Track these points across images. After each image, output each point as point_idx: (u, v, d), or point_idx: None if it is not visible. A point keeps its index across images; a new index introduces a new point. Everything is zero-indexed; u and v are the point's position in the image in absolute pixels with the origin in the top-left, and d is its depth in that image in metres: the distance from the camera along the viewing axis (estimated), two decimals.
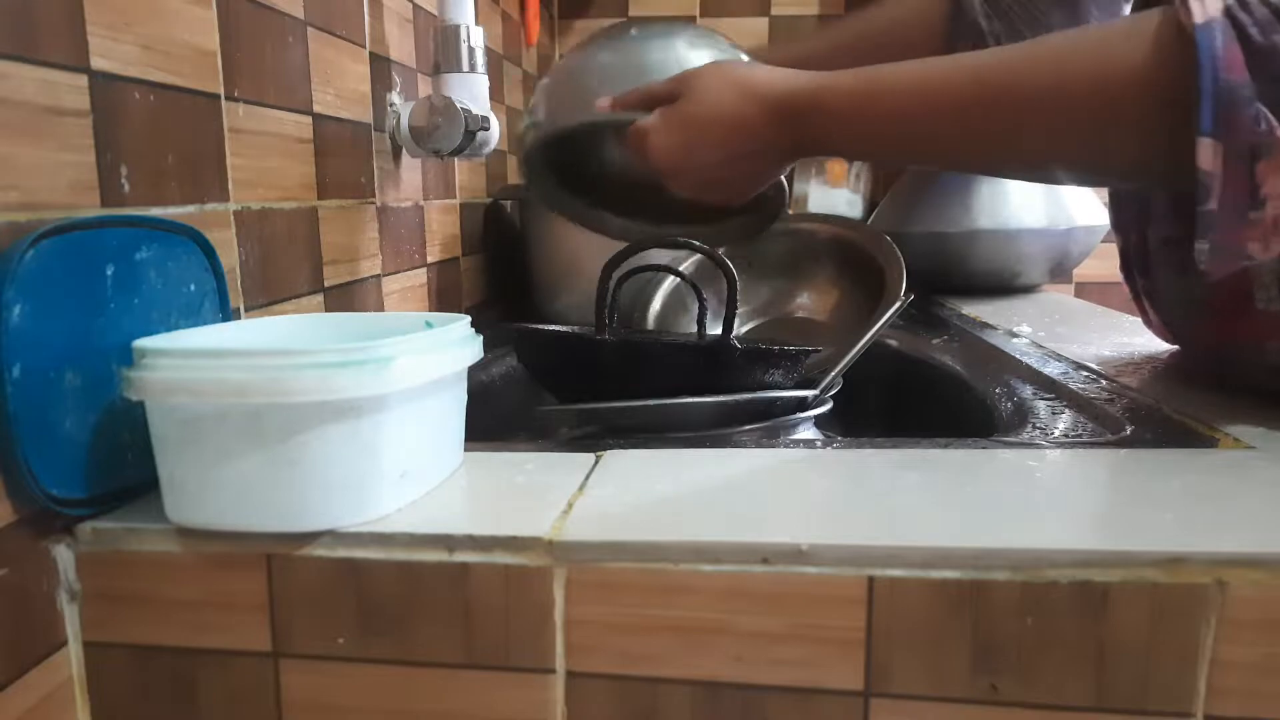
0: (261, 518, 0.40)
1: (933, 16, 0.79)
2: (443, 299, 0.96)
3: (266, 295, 0.59)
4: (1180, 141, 0.44)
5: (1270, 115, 0.42)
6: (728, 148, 0.58)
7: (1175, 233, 0.58)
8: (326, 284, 0.68)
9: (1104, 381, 0.66)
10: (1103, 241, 1.14)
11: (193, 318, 0.47)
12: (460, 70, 0.82)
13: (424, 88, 0.90)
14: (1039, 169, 0.55)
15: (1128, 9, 0.73)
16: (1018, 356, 0.77)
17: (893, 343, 0.92)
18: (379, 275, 0.78)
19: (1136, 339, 0.82)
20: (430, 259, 0.93)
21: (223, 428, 0.39)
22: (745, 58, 0.71)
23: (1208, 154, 0.43)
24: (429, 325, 0.47)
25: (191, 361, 0.38)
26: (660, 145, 0.59)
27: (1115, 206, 0.67)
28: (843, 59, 0.66)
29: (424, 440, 0.44)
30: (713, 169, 0.59)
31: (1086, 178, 0.58)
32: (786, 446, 0.52)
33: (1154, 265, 0.61)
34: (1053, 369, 0.71)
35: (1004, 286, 1.17)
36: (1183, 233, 0.56)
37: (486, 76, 0.85)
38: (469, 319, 0.48)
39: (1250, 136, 0.42)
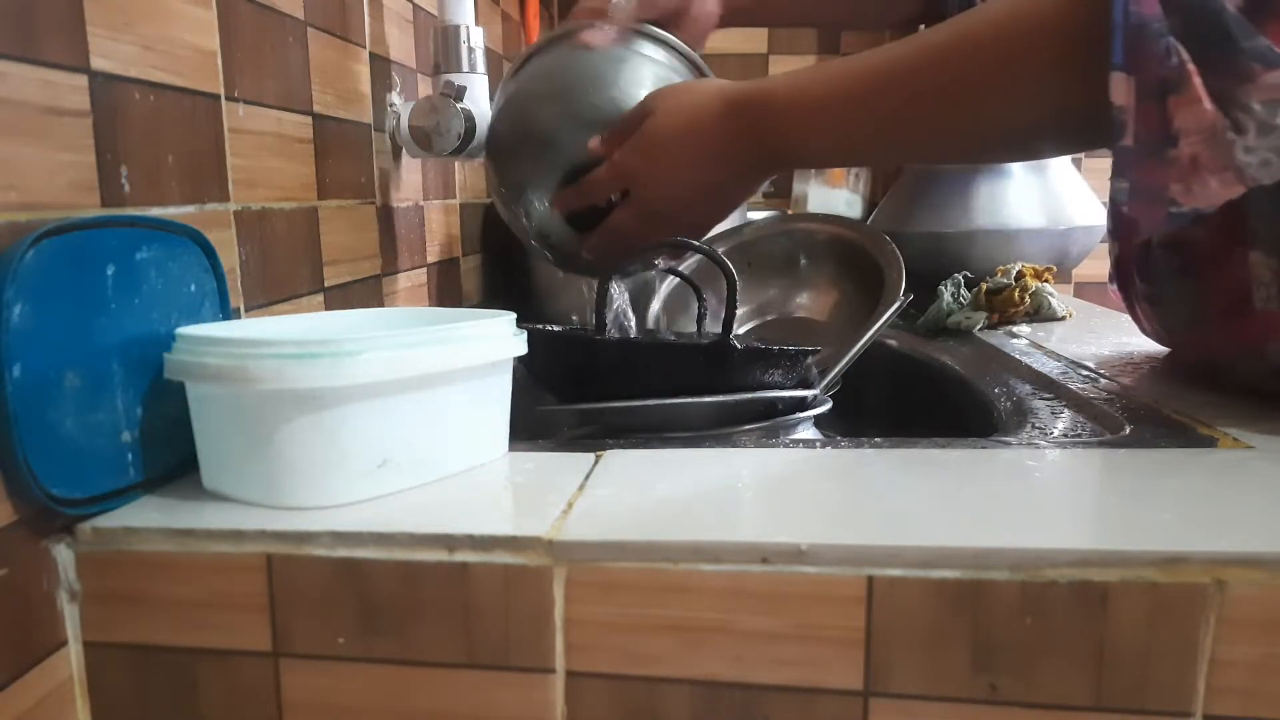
0: (247, 492, 0.43)
1: None
2: (443, 299, 0.96)
3: (267, 295, 0.59)
4: (1096, 80, 0.43)
5: (1181, 48, 0.41)
6: (695, 163, 0.59)
7: (1179, 235, 0.58)
8: (327, 284, 0.68)
9: (1103, 381, 0.66)
10: (1103, 241, 1.15)
11: (193, 318, 0.47)
12: (460, 70, 0.82)
13: (424, 88, 0.90)
14: (978, 139, 0.55)
15: None
16: (1017, 356, 0.77)
17: (892, 343, 0.92)
18: (379, 275, 0.78)
19: (1136, 339, 0.82)
20: (430, 259, 0.93)
21: (216, 407, 0.43)
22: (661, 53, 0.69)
23: (1121, 88, 0.42)
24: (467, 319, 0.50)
25: (197, 348, 0.42)
26: (631, 169, 0.59)
27: (1114, 209, 0.67)
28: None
29: (417, 432, 0.44)
30: (685, 187, 0.60)
31: (1024, 142, 0.57)
32: (786, 446, 0.52)
33: (1155, 268, 0.61)
34: (1052, 369, 0.71)
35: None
36: (1189, 233, 0.56)
37: (487, 77, 0.85)
38: (512, 316, 0.49)
39: (1161, 70, 0.42)
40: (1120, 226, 0.66)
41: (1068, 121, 0.50)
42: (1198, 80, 0.41)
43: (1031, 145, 0.60)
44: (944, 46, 0.51)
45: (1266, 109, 0.41)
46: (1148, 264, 0.62)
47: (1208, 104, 0.41)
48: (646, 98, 0.61)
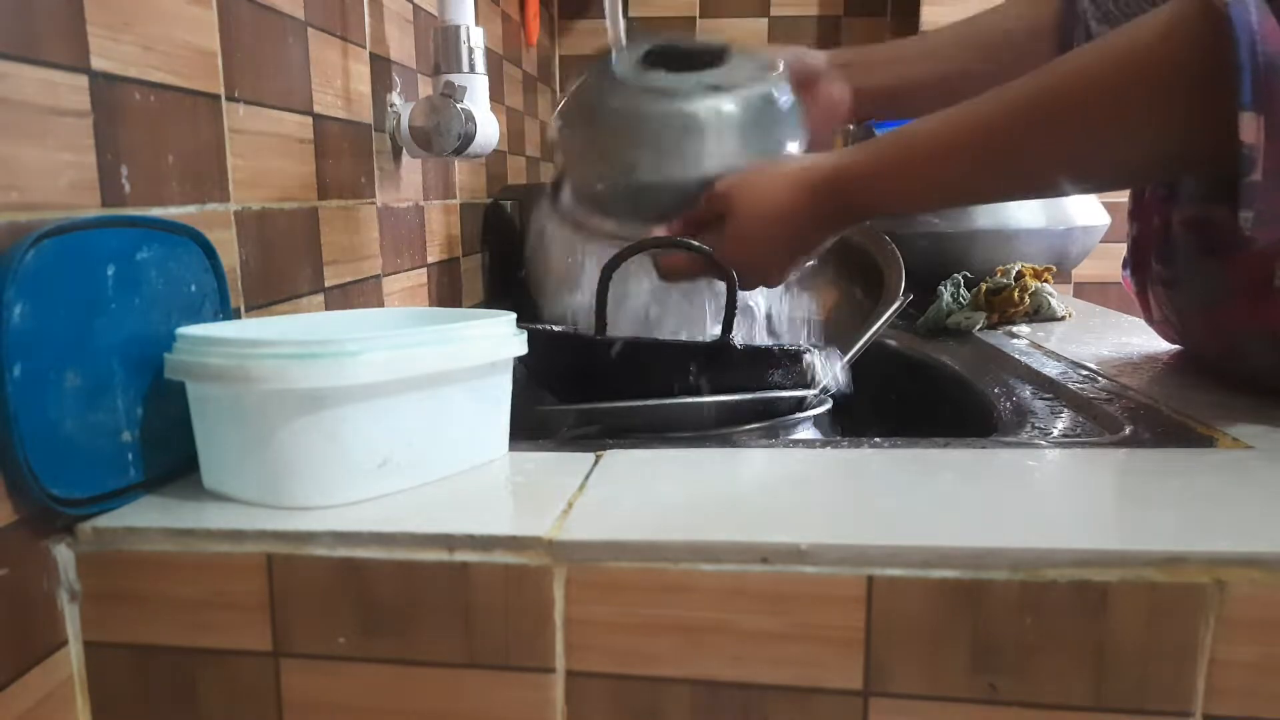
0: (248, 492, 0.43)
1: (1043, 23, 0.74)
2: (443, 299, 0.96)
3: (267, 295, 0.59)
4: (1218, 119, 0.44)
5: None
6: (787, 243, 0.61)
7: (1202, 213, 0.58)
8: (327, 284, 0.68)
9: (1103, 381, 0.66)
10: (1102, 241, 1.15)
11: (193, 318, 0.47)
12: (460, 70, 0.82)
13: (424, 88, 0.90)
14: (1086, 177, 0.54)
15: None
16: (1017, 356, 0.77)
17: (892, 343, 0.92)
18: (379, 275, 0.78)
19: (1135, 339, 0.82)
20: (430, 259, 0.93)
21: (217, 407, 0.43)
22: (781, 65, 0.68)
23: (1250, 127, 0.43)
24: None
25: (198, 348, 0.42)
26: (727, 261, 0.60)
27: (1136, 191, 0.67)
28: (938, 64, 0.66)
29: (417, 432, 0.44)
30: (779, 262, 0.62)
31: (1132, 175, 0.58)
32: (786, 446, 0.52)
33: (1175, 250, 0.61)
34: (1052, 369, 0.71)
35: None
36: (1211, 212, 0.57)
37: (486, 77, 0.85)
38: (512, 316, 0.49)
39: None
40: (1140, 207, 0.67)
41: (1184, 158, 0.51)
42: None
43: (1139, 180, 0.61)
44: (1057, 84, 0.50)
45: None
46: (1167, 245, 0.62)
47: None
48: (721, 188, 0.61)
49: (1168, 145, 0.49)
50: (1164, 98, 0.47)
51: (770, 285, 0.64)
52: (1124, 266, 0.70)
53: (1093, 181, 0.58)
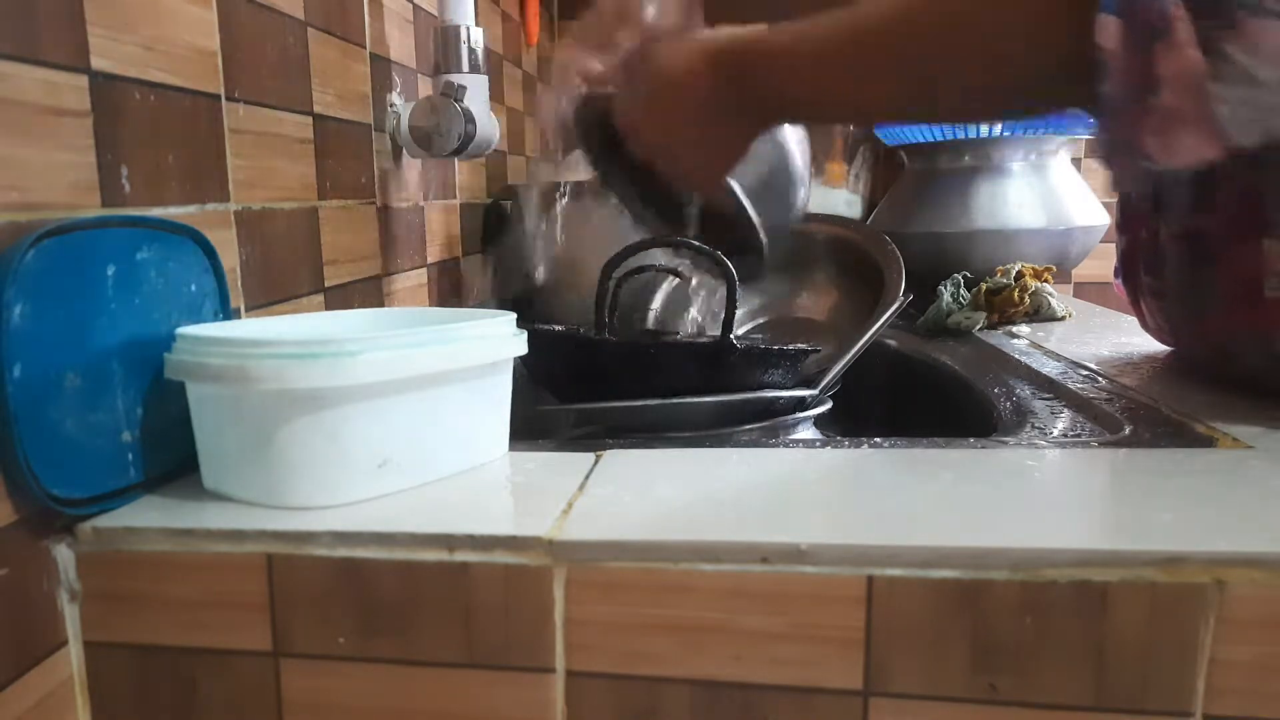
0: (248, 492, 0.43)
1: None
2: (443, 299, 0.96)
3: (267, 295, 0.59)
4: (1086, 22, 0.43)
5: None
6: (688, 116, 0.57)
7: (1190, 227, 0.58)
8: (327, 284, 0.68)
9: (1103, 381, 0.66)
10: (1102, 241, 1.15)
11: (193, 318, 0.47)
12: (460, 70, 0.82)
13: (424, 88, 0.90)
14: (977, 82, 0.52)
15: None
16: (1017, 356, 0.77)
17: (892, 343, 0.92)
18: (379, 275, 0.78)
19: (1135, 339, 0.82)
20: (430, 259, 0.93)
21: (217, 407, 0.43)
22: None
23: (1109, 31, 0.42)
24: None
25: (198, 348, 0.42)
26: (623, 110, 0.58)
27: (1124, 204, 0.67)
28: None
29: (417, 432, 0.44)
30: (682, 140, 0.58)
31: (1015, 87, 0.54)
32: (786, 446, 0.52)
33: (1164, 261, 0.61)
34: (1051, 369, 0.71)
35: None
36: (1198, 225, 0.56)
37: (486, 77, 0.85)
38: (512, 316, 0.49)
39: (1149, 14, 0.41)
40: (1127, 219, 0.66)
41: (1046, 68, 0.49)
42: (1186, 26, 0.41)
43: (1027, 94, 0.56)
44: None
45: (1246, 57, 0.40)
46: (1156, 256, 0.62)
47: (1192, 50, 0.41)
48: (641, 48, 0.59)
49: (1041, 52, 0.47)
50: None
51: (680, 173, 0.60)
52: (1116, 275, 0.70)
53: (978, 93, 0.55)
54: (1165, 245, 0.60)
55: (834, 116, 0.63)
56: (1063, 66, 0.48)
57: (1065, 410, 0.61)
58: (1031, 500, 0.42)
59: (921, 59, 0.51)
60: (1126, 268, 0.67)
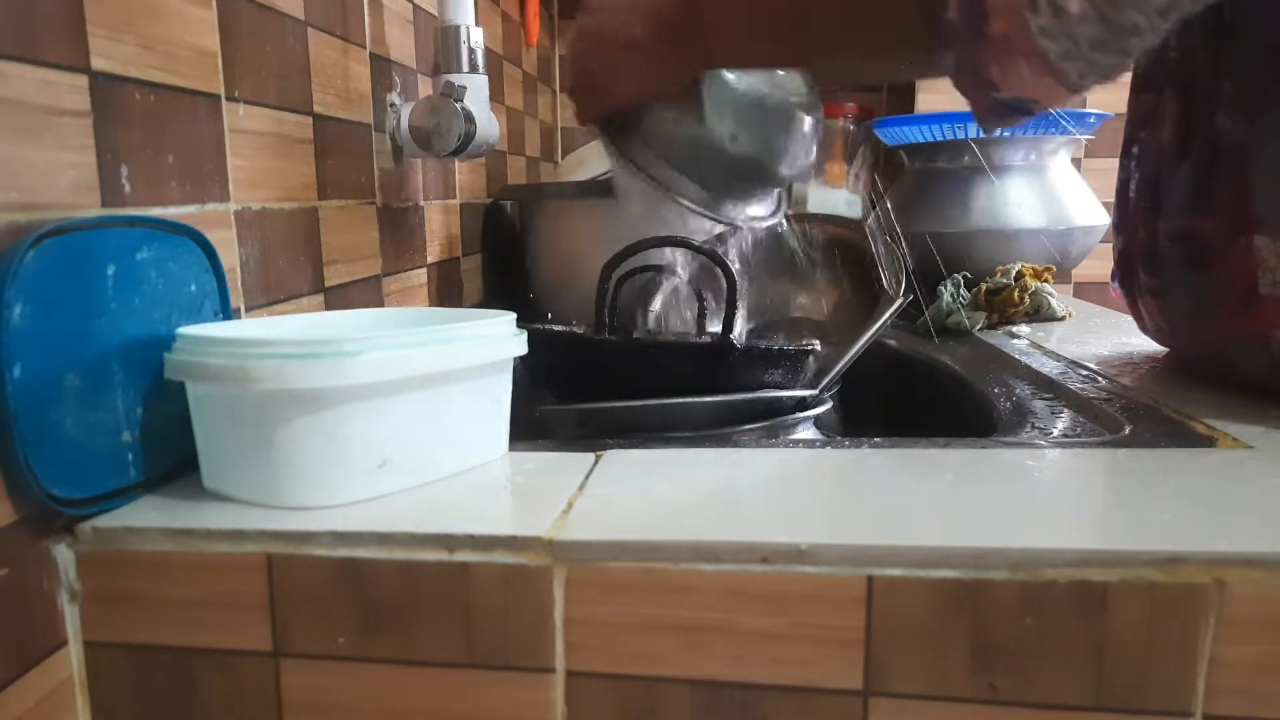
0: (247, 492, 0.43)
1: None
2: (443, 299, 0.96)
3: (267, 295, 0.59)
4: None
5: None
6: (616, 33, 0.58)
7: (1186, 226, 0.58)
8: (327, 284, 0.68)
9: (1103, 381, 0.66)
10: (1102, 241, 1.15)
11: (193, 318, 0.47)
12: (460, 70, 0.82)
13: (424, 88, 0.90)
14: (837, 30, 0.53)
15: None
16: (1017, 356, 0.77)
17: (892, 343, 0.92)
18: (379, 275, 0.78)
19: (1135, 339, 0.82)
20: (430, 259, 0.93)
21: (217, 407, 0.43)
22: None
23: None
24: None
25: (197, 348, 0.42)
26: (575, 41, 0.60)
27: (1121, 204, 0.67)
28: None
29: (417, 432, 0.44)
30: (609, 62, 0.59)
31: (874, 22, 0.54)
32: (786, 446, 0.52)
33: (1161, 262, 0.61)
34: (1051, 369, 0.71)
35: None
36: (1195, 224, 0.57)
37: (486, 77, 0.85)
38: (512, 316, 0.49)
39: None
40: (1124, 220, 0.66)
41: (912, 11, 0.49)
42: None
43: (889, 28, 0.55)
44: None
45: None
46: (1153, 257, 0.62)
47: None
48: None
49: None
50: None
51: (594, 99, 0.62)
52: (1113, 278, 0.70)
53: (845, 33, 0.55)
54: (1163, 245, 0.60)
55: (748, 58, 0.64)
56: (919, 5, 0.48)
57: (1065, 410, 0.61)
58: (1031, 500, 0.42)
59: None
60: (1124, 268, 0.67)
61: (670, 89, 0.61)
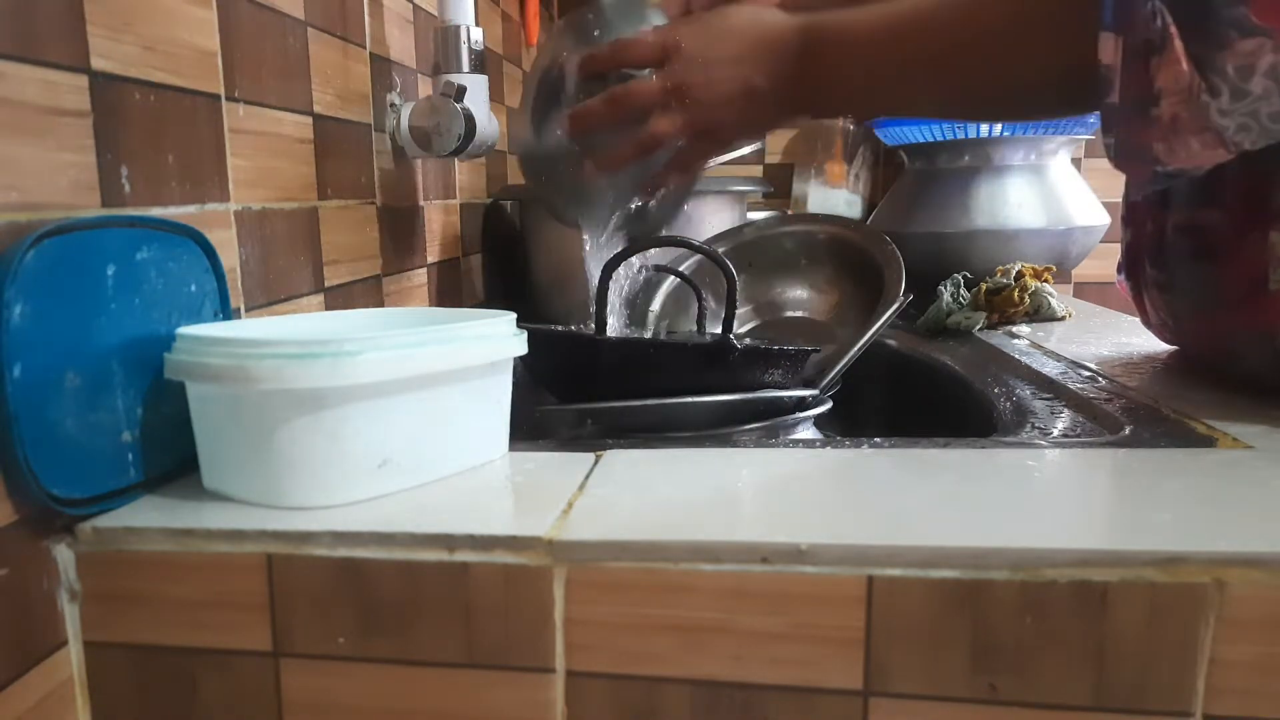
0: (247, 492, 0.43)
1: None
2: (443, 299, 0.96)
3: (267, 295, 0.59)
4: (1088, 39, 0.45)
5: (1165, 12, 0.43)
6: (748, 56, 0.59)
7: (1196, 219, 0.58)
8: (327, 284, 0.68)
9: (1103, 381, 0.66)
10: (1102, 241, 1.15)
11: (193, 318, 0.47)
12: (460, 70, 0.82)
13: (424, 88, 0.90)
14: (990, 84, 0.56)
15: None
16: (1017, 356, 0.77)
17: (892, 343, 0.92)
18: (379, 275, 0.78)
19: (1135, 339, 0.82)
20: (430, 259, 0.93)
21: (217, 407, 0.43)
22: None
23: (1109, 47, 0.44)
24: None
25: (197, 348, 0.42)
26: (684, 38, 0.59)
27: (1130, 197, 0.67)
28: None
29: (417, 432, 0.44)
30: (729, 76, 0.59)
31: (1020, 94, 0.58)
32: (786, 446, 0.52)
33: (1169, 254, 0.61)
34: (1051, 369, 0.71)
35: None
36: (1204, 217, 0.57)
37: (486, 77, 0.85)
38: (512, 316, 0.49)
39: (1146, 31, 0.43)
40: (1133, 212, 0.67)
41: (1064, 79, 0.52)
42: (1178, 43, 0.43)
43: (1032, 101, 0.60)
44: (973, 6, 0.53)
45: (1239, 74, 0.43)
46: (1161, 249, 0.62)
47: (1185, 66, 0.43)
48: (671, 28, 0.61)
49: (1044, 63, 0.51)
50: (1045, 12, 0.49)
51: (709, 100, 0.60)
52: (1119, 271, 0.70)
53: (992, 96, 0.58)
54: (1171, 238, 0.60)
55: (874, 108, 0.66)
56: (1072, 75, 0.50)
57: (1065, 410, 0.61)
58: (1031, 500, 0.42)
59: (948, 56, 0.54)
60: (1131, 261, 0.67)
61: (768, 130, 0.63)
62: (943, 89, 0.57)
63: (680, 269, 0.83)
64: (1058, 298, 0.96)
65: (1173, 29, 0.43)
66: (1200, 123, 0.43)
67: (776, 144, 1.68)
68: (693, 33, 0.60)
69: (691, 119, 0.60)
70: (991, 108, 0.62)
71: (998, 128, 1.09)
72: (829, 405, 0.63)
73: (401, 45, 0.85)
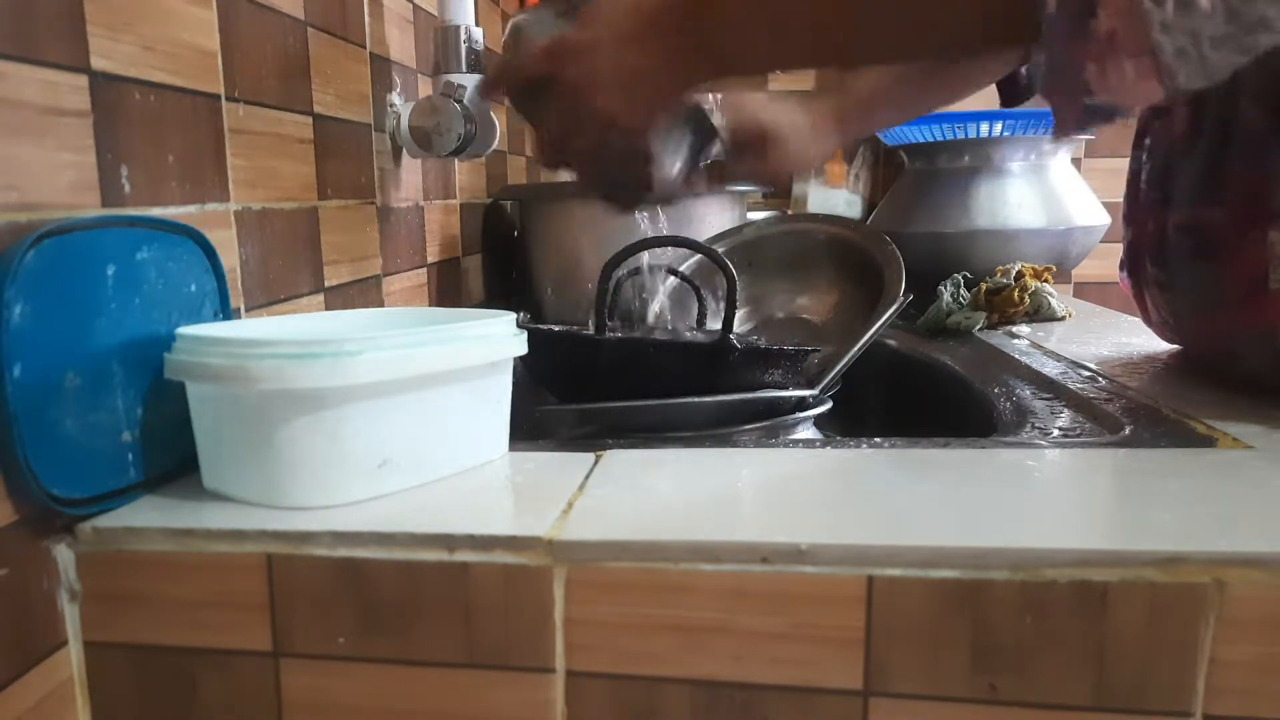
0: (247, 492, 0.43)
1: None
2: (443, 299, 0.96)
3: (267, 295, 0.59)
4: None
5: None
6: (623, 37, 0.55)
7: (1197, 218, 0.58)
8: (327, 284, 0.68)
9: (1103, 381, 0.66)
10: (1102, 241, 1.15)
11: (193, 318, 0.47)
12: (460, 70, 0.82)
13: (424, 88, 0.90)
14: (914, 23, 0.49)
15: None
16: (1017, 356, 0.77)
17: (892, 343, 0.92)
18: (379, 275, 0.78)
19: (1135, 339, 0.82)
20: (430, 259, 0.93)
21: (217, 407, 0.43)
22: None
23: None
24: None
25: (197, 348, 0.42)
26: (570, 42, 0.56)
27: (1131, 195, 0.67)
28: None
29: (417, 432, 0.44)
30: (612, 65, 0.55)
31: (949, 25, 0.50)
32: (786, 446, 0.52)
33: (1169, 253, 0.61)
34: (1052, 369, 0.71)
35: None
36: (1205, 216, 0.56)
37: None
38: (512, 316, 0.49)
39: None
40: (1134, 210, 0.66)
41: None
42: None
43: (949, 31, 0.51)
44: None
45: None
46: (1162, 248, 0.62)
47: None
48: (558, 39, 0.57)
49: None
50: None
51: (595, 92, 0.56)
52: (1121, 268, 0.70)
53: (909, 40, 0.51)
54: (1172, 236, 0.60)
55: (772, 60, 0.59)
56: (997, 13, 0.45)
57: (1065, 410, 0.61)
58: (1031, 500, 0.42)
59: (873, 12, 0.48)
60: (1132, 260, 0.67)
61: (675, 106, 0.58)
62: (838, 27, 0.50)
63: (680, 269, 0.83)
64: (1058, 298, 0.96)
65: None
66: (1138, 41, 0.39)
67: None
68: (576, 33, 0.57)
69: (589, 114, 0.56)
70: (902, 45, 0.54)
71: (998, 127, 1.09)
72: (829, 405, 0.63)
73: (401, 45, 0.85)
